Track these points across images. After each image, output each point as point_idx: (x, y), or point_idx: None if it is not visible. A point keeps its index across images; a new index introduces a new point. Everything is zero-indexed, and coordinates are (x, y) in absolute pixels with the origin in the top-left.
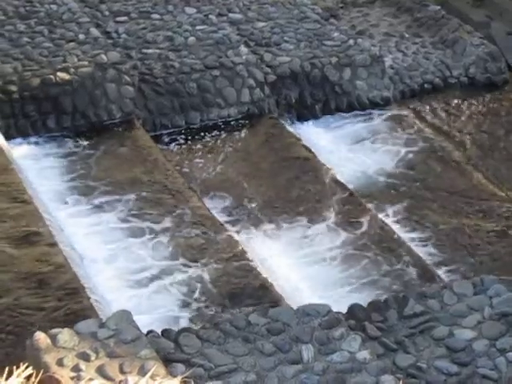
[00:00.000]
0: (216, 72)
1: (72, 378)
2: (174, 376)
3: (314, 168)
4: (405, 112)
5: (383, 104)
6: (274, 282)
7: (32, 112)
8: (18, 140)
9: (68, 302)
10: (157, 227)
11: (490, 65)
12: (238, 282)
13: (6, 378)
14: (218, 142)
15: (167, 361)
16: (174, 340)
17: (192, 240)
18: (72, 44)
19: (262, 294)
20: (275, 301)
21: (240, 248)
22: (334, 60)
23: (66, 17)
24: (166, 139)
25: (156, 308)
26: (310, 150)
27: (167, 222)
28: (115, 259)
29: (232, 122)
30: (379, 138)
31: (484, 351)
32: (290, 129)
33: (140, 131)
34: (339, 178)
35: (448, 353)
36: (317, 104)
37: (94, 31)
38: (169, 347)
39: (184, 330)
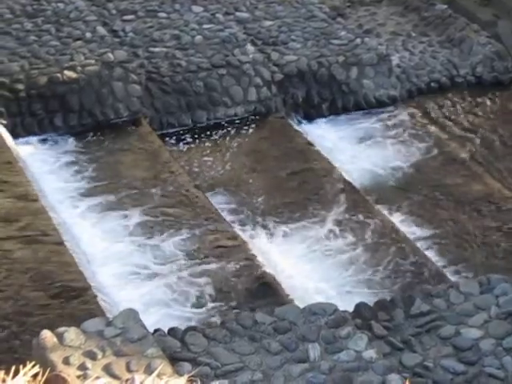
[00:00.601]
0: (223, 71)
1: (78, 377)
2: (181, 375)
3: (320, 167)
4: (412, 111)
5: (390, 103)
6: (280, 279)
7: (39, 110)
8: (25, 138)
9: (75, 301)
10: (163, 226)
11: (497, 64)
12: (244, 280)
13: (13, 377)
14: (225, 140)
15: (174, 359)
16: (180, 339)
17: (198, 239)
18: (79, 42)
19: (268, 292)
20: (281, 299)
21: (246, 246)
22: (341, 59)
23: (73, 15)
24: (173, 138)
25: (163, 306)
26: (316, 149)
27: (173, 221)
28: (122, 258)
29: (239, 121)
30: (386, 136)
31: (491, 350)
32: (297, 128)
33: (147, 130)
34: (346, 176)
35: (455, 352)
36: (324, 103)
37: (101, 30)
38: (175, 346)
39: (190, 328)
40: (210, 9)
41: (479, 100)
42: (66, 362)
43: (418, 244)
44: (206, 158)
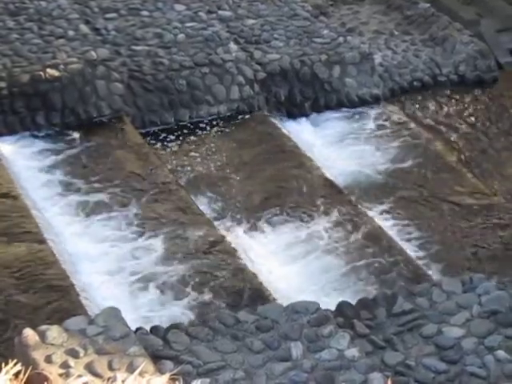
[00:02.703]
0: (205, 69)
1: (61, 375)
2: (163, 373)
3: (303, 165)
4: (394, 109)
5: (372, 101)
6: (262, 278)
7: (21, 108)
8: (7, 136)
9: (57, 299)
10: (146, 225)
11: (480, 62)
12: (226, 279)
13: None
14: (207, 139)
15: (156, 358)
16: (162, 337)
17: (181, 238)
18: (61, 40)
19: (251, 291)
20: (264, 298)
21: (229, 245)
22: (323, 57)
23: (56, 13)
24: (155, 136)
25: (144, 305)
26: (299, 148)
27: (156, 218)
28: (104, 257)
29: (221, 119)
30: (368, 135)
31: (472, 349)
32: (280, 126)
33: (129, 128)
34: (328, 175)
35: (436, 350)
36: (306, 101)
37: (84, 28)
38: (157, 344)
39: (172, 326)
40: (192, 7)
41: (462, 99)
42: (49, 360)
43: (401, 243)
44: (188, 156)
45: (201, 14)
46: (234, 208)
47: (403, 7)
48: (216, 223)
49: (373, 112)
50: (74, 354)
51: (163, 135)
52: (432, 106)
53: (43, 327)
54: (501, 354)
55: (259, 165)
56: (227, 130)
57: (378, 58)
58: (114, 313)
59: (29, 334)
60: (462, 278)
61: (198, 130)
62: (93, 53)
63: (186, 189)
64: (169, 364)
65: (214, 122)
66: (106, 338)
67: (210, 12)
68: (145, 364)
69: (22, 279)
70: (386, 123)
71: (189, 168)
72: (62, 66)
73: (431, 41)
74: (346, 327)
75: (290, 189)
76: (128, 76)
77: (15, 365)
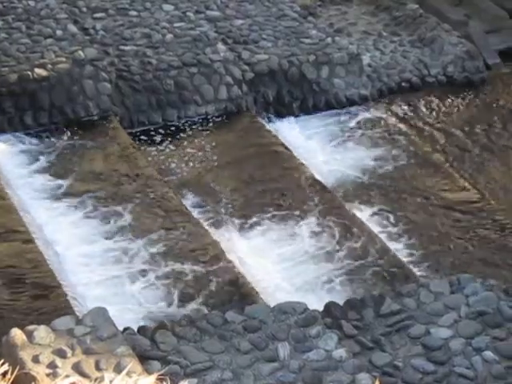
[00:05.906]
0: (193, 69)
1: (48, 375)
2: (150, 373)
3: (291, 166)
4: (382, 110)
5: (361, 102)
6: (250, 279)
7: (9, 108)
8: None
9: (44, 299)
10: (134, 225)
11: (468, 64)
12: (214, 279)
13: None
14: (195, 139)
15: (143, 358)
16: (150, 337)
17: (169, 238)
18: (50, 40)
19: (238, 292)
20: (251, 298)
21: (217, 245)
22: (311, 58)
23: (44, 13)
24: (143, 136)
25: (133, 305)
26: (287, 148)
27: (145, 220)
28: (92, 256)
29: (209, 120)
30: (356, 136)
31: (460, 350)
32: (268, 126)
33: (117, 128)
34: (316, 176)
35: (424, 351)
36: (294, 102)
37: (72, 27)
38: (145, 344)
39: (160, 327)
40: (180, 7)
41: (450, 100)
42: (36, 360)
43: (388, 243)
44: (176, 156)
45: (189, 14)
46: (221, 208)
47: (391, 8)
48: (203, 223)
49: (361, 113)
50: (61, 354)
51: (151, 135)
52: (420, 106)
53: (31, 327)
54: (488, 354)
55: (247, 165)
56: (215, 130)
57: (366, 59)
58: (101, 313)
59: (16, 333)
60: (449, 279)
61: (186, 130)
62: (81, 52)
63: (173, 188)
64: (156, 364)
65: (202, 122)
66: (94, 338)
67: (198, 12)
68: (132, 364)
69: (10, 279)
70: (374, 124)
71: (177, 168)
72: (50, 66)
73: (419, 42)
74: (334, 328)
75: (277, 189)
76: (116, 76)
77: (2, 365)
